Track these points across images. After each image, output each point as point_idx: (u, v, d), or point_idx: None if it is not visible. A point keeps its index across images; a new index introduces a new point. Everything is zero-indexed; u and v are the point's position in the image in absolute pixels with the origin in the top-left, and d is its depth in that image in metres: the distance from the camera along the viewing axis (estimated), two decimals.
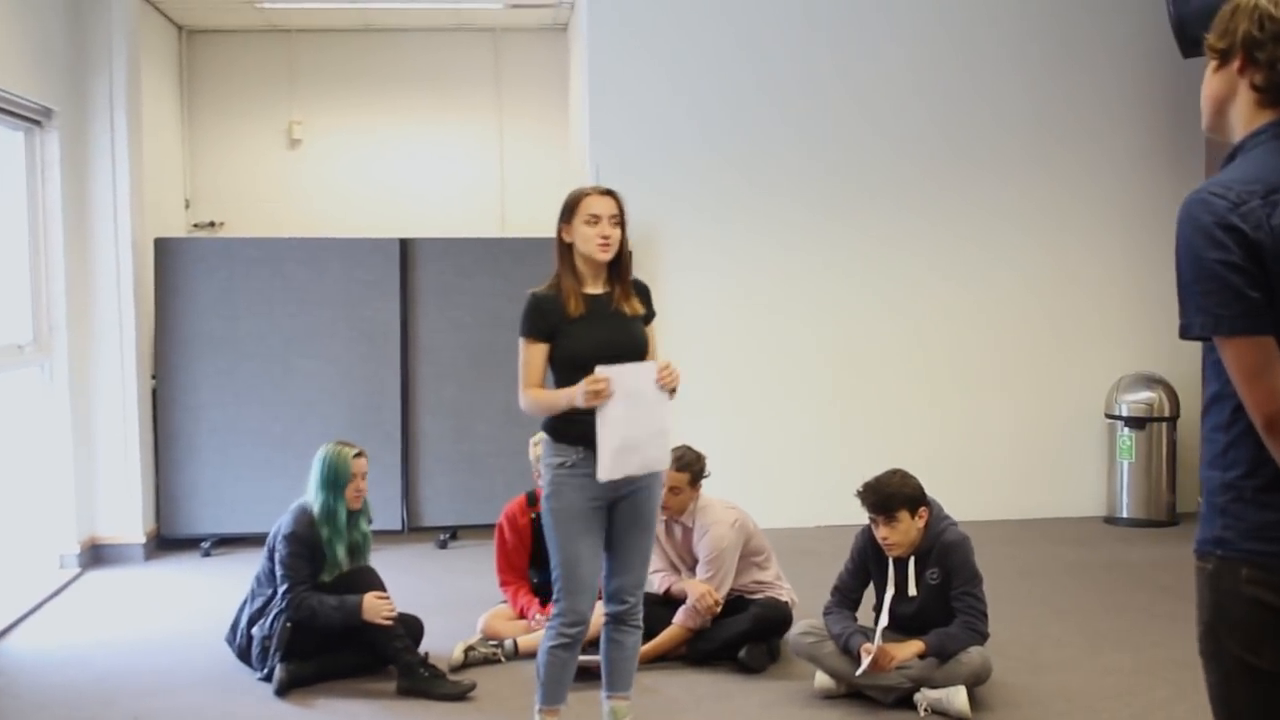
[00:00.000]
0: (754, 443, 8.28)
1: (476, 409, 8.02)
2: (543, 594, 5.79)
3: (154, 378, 7.90)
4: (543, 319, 4.21)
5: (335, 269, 7.92)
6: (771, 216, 8.34)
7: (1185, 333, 2.31)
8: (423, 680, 5.17)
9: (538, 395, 4.22)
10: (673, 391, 4.13)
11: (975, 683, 4.86)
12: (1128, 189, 8.62)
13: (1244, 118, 2.40)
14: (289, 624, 5.22)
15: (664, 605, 5.54)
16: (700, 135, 8.30)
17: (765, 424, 8.33)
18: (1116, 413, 8.36)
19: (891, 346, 8.42)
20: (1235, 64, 2.39)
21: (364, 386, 7.94)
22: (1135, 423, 8.28)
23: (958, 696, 4.78)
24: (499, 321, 7.97)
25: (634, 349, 4.22)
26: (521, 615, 5.79)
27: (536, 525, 5.80)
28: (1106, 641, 5.81)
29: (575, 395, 4.05)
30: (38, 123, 7.08)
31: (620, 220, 4.26)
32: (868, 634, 4.95)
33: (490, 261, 8.06)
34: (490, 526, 7.79)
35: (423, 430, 7.98)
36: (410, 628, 5.39)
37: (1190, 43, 7.73)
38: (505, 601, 5.91)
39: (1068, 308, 8.60)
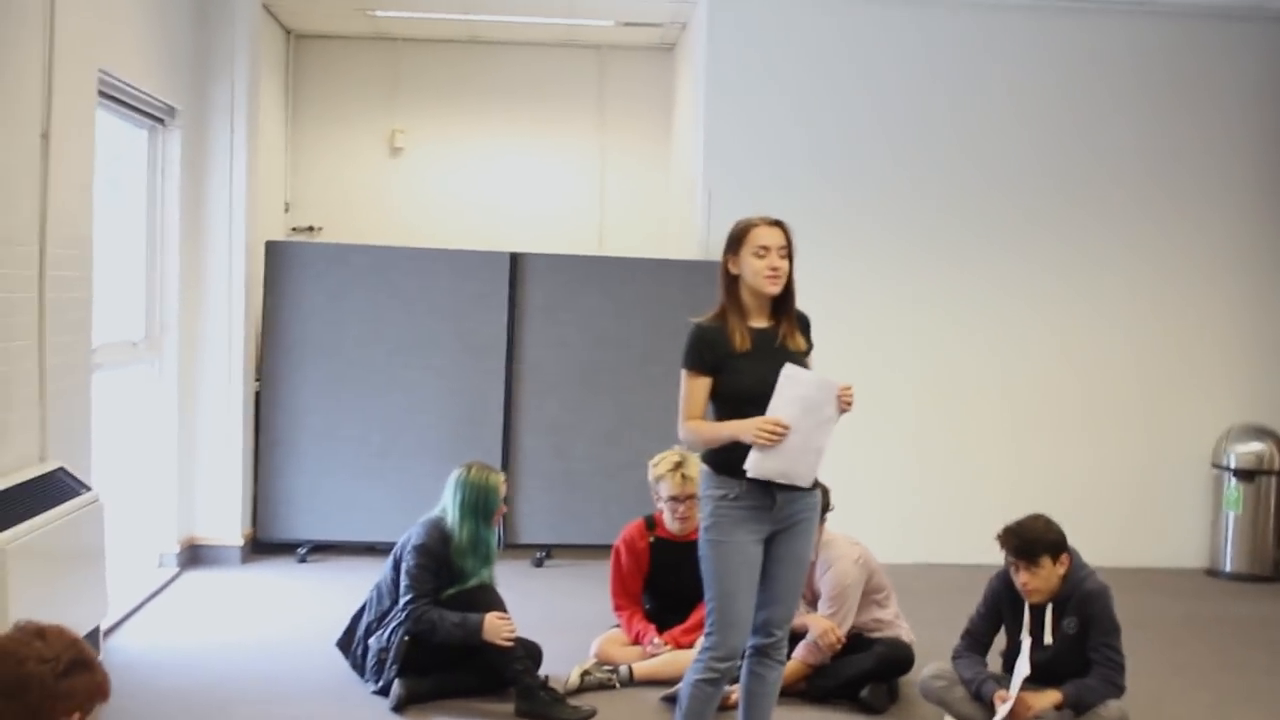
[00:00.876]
0: (842, 478, 8.17)
1: (577, 428, 7.98)
2: (657, 620, 5.77)
3: (258, 380, 7.91)
4: (709, 351, 4.16)
5: (444, 280, 7.90)
6: (876, 252, 8.29)
7: None
8: (543, 704, 5.11)
9: (700, 427, 4.17)
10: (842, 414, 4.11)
11: None
12: (1238, 239, 8.50)
13: None
14: (407, 637, 5.18)
15: None
16: (812, 165, 8.25)
17: (854, 458, 8.23)
18: (1224, 463, 8.23)
19: (989, 388, 8.32)
20: None
21: (466, 399, 7.90)
22: (1244, 474, 8.14)
23: None
24: (604, 341, 8.00)
25: None
26: (636, 641, 5.72)
27: (655, 550, 5.79)
28: (1230, 698, 5.69)
29: (744, 431, 4.01)
30: (161, 121, 7.11)
31: (788, 252, 4.19)
32: (1000, 681, 4.85)
33: (598, 280, 8.04)
34: (587, 547, 7.87)
35: (522, 447, 7.94)
36: (529, 650, 5.34)
37: None
38: (618, 626, 5.84)
39: (1176, 356, 8.49)
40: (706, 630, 4.17)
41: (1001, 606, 5.01)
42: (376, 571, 5.57)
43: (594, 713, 5.13)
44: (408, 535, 5.41)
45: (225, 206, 7.52)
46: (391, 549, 5.47)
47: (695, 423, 4.16)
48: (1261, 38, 8.41)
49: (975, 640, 5.05)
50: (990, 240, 8.33)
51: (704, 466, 4.22)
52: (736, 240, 4.21)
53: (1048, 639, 4.88)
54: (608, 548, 7.63)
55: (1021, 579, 4.82)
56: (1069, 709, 4.74)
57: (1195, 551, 8.41)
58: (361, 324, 7.85)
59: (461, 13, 9.23)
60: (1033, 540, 4.79)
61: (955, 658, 5.04)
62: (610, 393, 7.99)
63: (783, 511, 4.13)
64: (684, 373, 4.20)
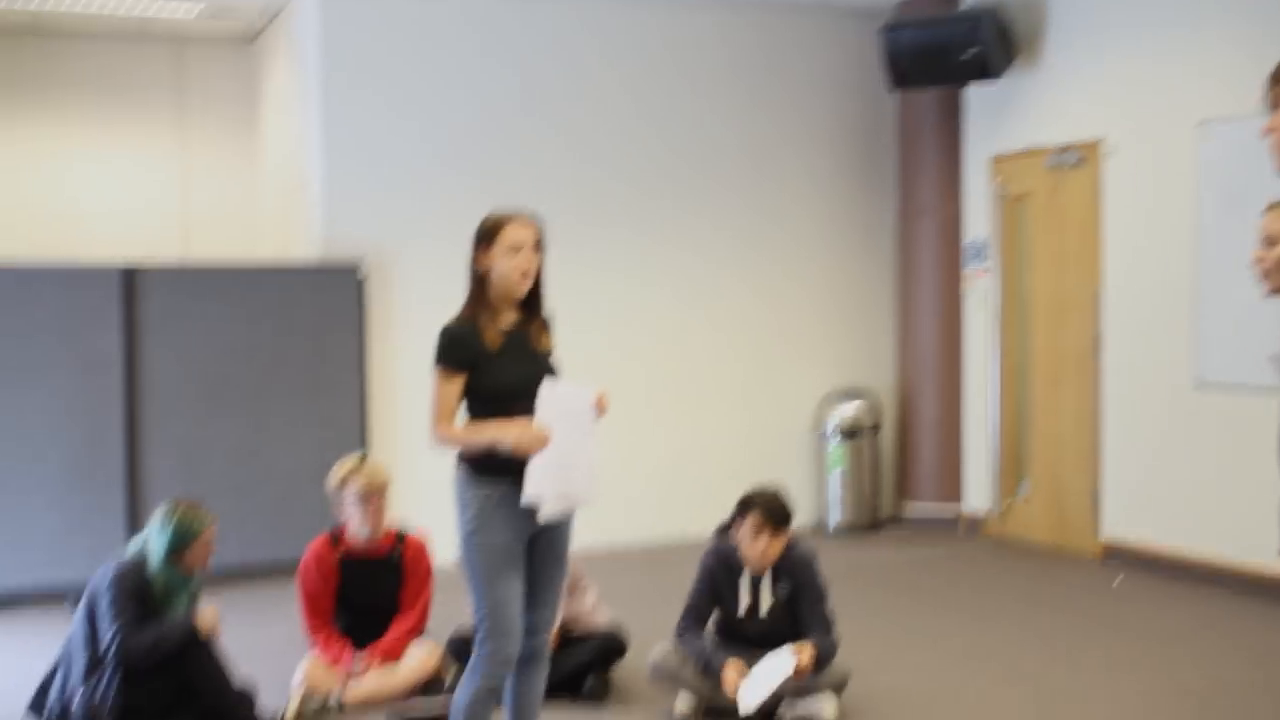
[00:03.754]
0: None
1: (208, 446, 7.57)
2: (353, 637, 5.57)
3: None
4: (462, 350, 4.07)
5: (51, 298, 7.25)
6: None
7: None
8: None
9: (457, 431, 4.09)
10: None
11: (839, 689, 5.09)
12: (826, 218, 9.17)
13: None
14: (119, 681, 4.77)
15: None
16: (434, 157, 8.16)
17: None
18: (826, 425, 8.89)
19: (621, 361, 8.50)
20: None
21: (83, 422, 7.30)
22: (844, 434, 8.83)
23: (828, 704, 5.00)
24: (231, 353, 7.63)
25: None
26: (335, 664, 5.50)
27: (344, 566, 5.59)
28: (893, 639, 6.24)
29: (506, 440, 3.97)
30: None
31: (540, 250, 4.16)
32: (730, 654, 5.07)
33: (218, 290, 7.62)
34: (228, 570, 7.43)
35: (149, 468, 7.44)
36: (248, 695, 5.06)
37: (899, 77, 8.42)
38: (315, 649, 5.61)
39: (778, 329, 9.05)
40: (479, 637, 4.09)
41: (718, 582, 5.21)
42: None
43: None
44: (98, 576, 4.99)
45: None
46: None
47: (450, 426, 4.08)
48: (837, 30, 9.09)
49: (698, 617, 5.22)
50: (604, 226, 8.53)
51: (462, 467, 4.12)
52: (487, 236, 4.11)
53: (765, 605, 5.14)
54: (252, 566, 7.43)
55: (762, 545, 5.03)
56: (817, 665, 5.00)
57: (805, 510, 9.01)
58: None
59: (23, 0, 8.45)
60: (786, 510, 5.08)
61: (679, 635, 5.20)
62: (239, 406, 7.64)
63: None
64: (435, 371, 4.09)
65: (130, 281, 7.41)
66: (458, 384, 4.07)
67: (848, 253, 9.23)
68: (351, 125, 8.01)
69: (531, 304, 4.21)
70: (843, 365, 9.19)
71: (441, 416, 4.07)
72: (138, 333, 7.41)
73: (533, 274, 4.13)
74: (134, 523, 7.30)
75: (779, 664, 4.93)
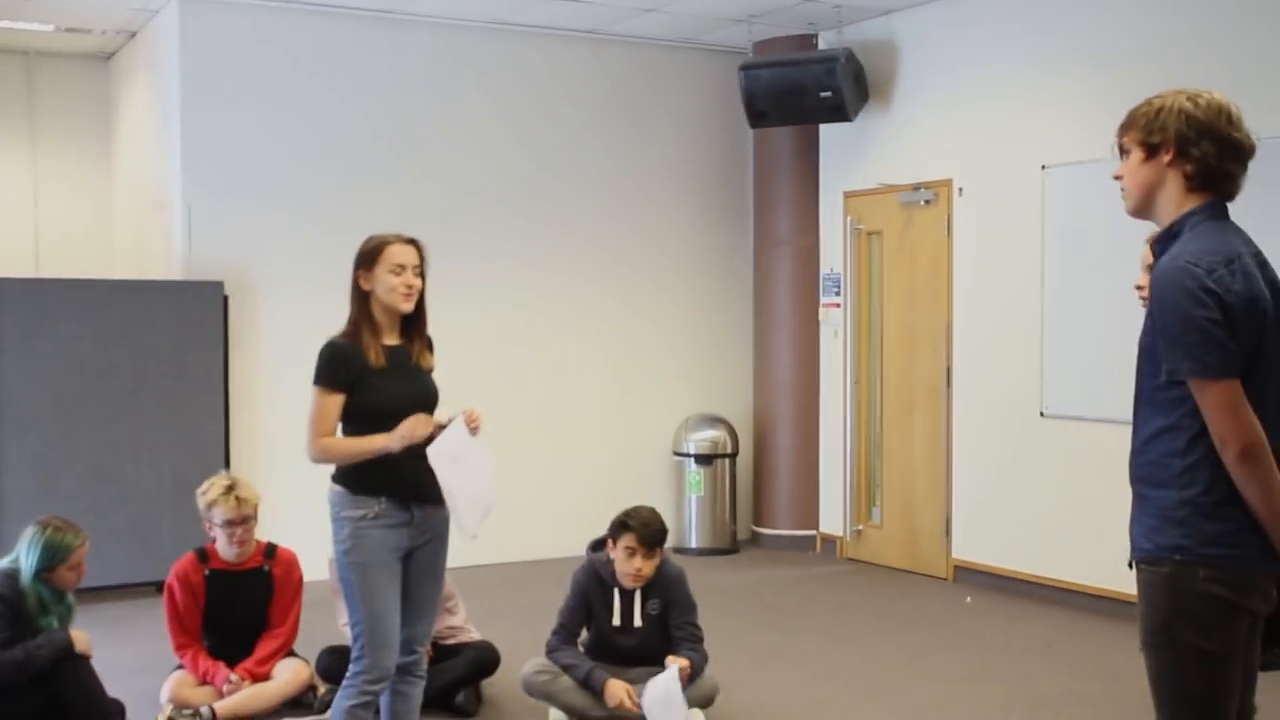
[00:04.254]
0: None
1: (64, 465, 7.41)
2: (220, 655, 5.53)
3: None
4: (344, 368, 4.14)
5: None
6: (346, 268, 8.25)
7: (1173, 376, 2.81)
8: None
9: (338, 444, 4.14)
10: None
11: (707, 704, 5.22)
12: (689, 248, 9.39)
13: (1174, 201, 2.96)
14: None
15: None
16: (291, 179, 8.17)
17: None
18: (685, 450, 9.07)
19: (487, 385, 8.51)
20: (1166, 157, 2.93)
21: None
22: (702, 459, 9.02)
23: (696, 718, 5.12)
24: (87, 369, 7.50)
25: (431, 403, 4.26)
26: (205, 680, 5.45)
27: (211, 583, 5.56)
28: (765, 656, 6.40)
29: (390, 441, 4.03)
30: None
31: (422, 270, 4.24)
32: (607, 669, 5.17)
33: (77, 304, 7.49)
34: (90, 590, 7.29)
35: (3, 488, 7.27)
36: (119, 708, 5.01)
37: (757, 115, 8.65)
38: (181, 667, 5.55)
39: (639, 355, 9.23)
40: (355, 654, 4.15)
41: (590, 597, 5.32)
42: None
43: None
44: None
45: None
46: None
47: (330, 440, 4.13)
48: (703, 67, 9.34)
49: (570, 632, 5.33)
50: (473, 251, 8.57)
51: (336, 487, 4.17)
52: (370, 257, 4.19)
53: (637, 621, 5.27)
54: (111, 589, 7.28)
55: (637, 565, 5.15)
56: (690, 676, 5.11)
57: None
58: None
59: None
60: (661, 531, 5.19)
61: (552, 650, 5.29)
62: (97, 425, 7.51)
63: (421, 526, 4.18)
64: (315, 390, 4.14)
65: None
66: (338, 401, 4.13)
67: (710, 280, 9.46)
68: (212, 145, 7.99)
69: (413, 323, 4.28)
70: (703, 391, 9.39)
71: (320, 431, 4.12)
72: None
73: (415, 293, 4.21)
74: None
75: (669, 677, 5.02)
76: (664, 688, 4.98)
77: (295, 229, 8.14)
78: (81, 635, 4.92)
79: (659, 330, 9.29)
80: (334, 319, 7.72)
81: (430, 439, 4.07)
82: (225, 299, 7.82)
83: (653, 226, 9.26)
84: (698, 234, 9.42)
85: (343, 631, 5.55)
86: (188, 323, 7.70)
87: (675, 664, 5.05)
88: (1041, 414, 7.54)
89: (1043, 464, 7.55)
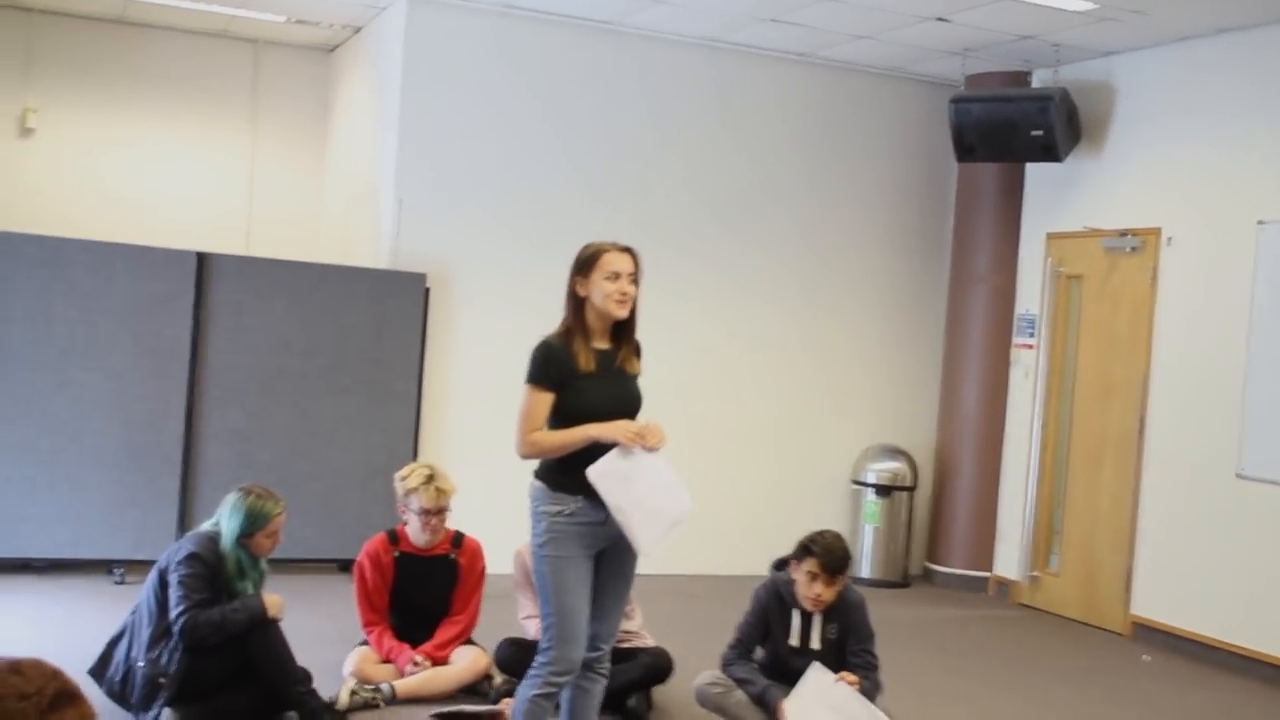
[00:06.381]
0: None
1: (262, 437, 7.72)
2: (403, 636, 5.71)
3: None
4: (556, 368, 4.24)
5: (123, 278, 7.42)
6: (557, 272, 8.40)
7: None
8: None
9: (546, 437, 4.23)
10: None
11: None
12: (881, 276, 9.37)
13: None
14: (182, 655, 4.88)
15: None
16: (500, 182, 8.38)
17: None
18: (863, 479, 9.04)
19: (674, 397, 8.54)
20: None
21: (145, 406, 7.46)
22: (881, 490, 8.98)
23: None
24: (290, 348, 7.79)
25: (635, 408, 4.36)
26: (388, 659, 5.65)
27: (400, 564, 5.74)
28: (933, 697, 6.36)
29: (601, 431, 4.14)
30: None
31: (636, 279, 4.35)
32: (781, 689, 5.17)
33: (286, 285, 7.79)
34: (276, 561, 7.58)
35: (204, 455, 7.60)
36: (305, 672, 5.17)
37: (965, 149, 8.59)
38: (365, 643, 5.75)
39: (824, 381, 9.22)
40: (544, 645, 4.25)
41: (770, 616, 5.35)
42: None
43: None
44: (172, 550, 5.12)
45: None
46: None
47: (539, 434, 4.23)
48: (912, 97, 9.33)
49: (746, 648, 5.36)
50: (670, 263, 8.57)
51: (538, 483, 4.29)
52: (587, 264, 4.31)
53: (815, 645, 5.27)
54: (296, 561, 7.55)
55: (817, 590, 5.16)
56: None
57: None
58: (30, 321, 7.24)
59: None
60: (844, 559, 5.20)
61: (727, 664, 5.32)
62: (295, 402, 7.80)
63: (614, 528, 4.24)
64: (528, 388, 4.25)
65: (203, 268, 7.59)
66: (548, 400, 4.23)
67: (899, 311, 9.42)
68: (426, 141, 8.23)
69: (624, 329, 4.39)
70: (886, 421, 9.35)
71: (530, 427, 4.23)
72: (206, 320, 7.59)
73: (630, 300, 4.31)
74: (185, 505, 7.51)
75: (822, 680, 5.06)
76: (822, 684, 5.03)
77: (499, 229, 8.36)
78: (275, 599, 5.08)
79: (846, 355, 9.29)
80: (528, 320, 7.92)
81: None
82: (427, 291, 8.06)
83: (848, 252, 9.27)
84: (893, 263, 9.40)
85: (522, 625, 5.78)
86: (389, 311, 7.94)
87: (834, 677, 5.06)
88: (1238, 475, 7.34)
89: (1235, 526, 7.35)
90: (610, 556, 4.32)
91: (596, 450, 4.15)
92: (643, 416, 4.32)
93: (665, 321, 8.60)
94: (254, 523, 5.15)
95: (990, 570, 9.02)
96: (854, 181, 9.26)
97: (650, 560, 4.34)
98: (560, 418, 4.25)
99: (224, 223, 9.74)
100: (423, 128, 8.23)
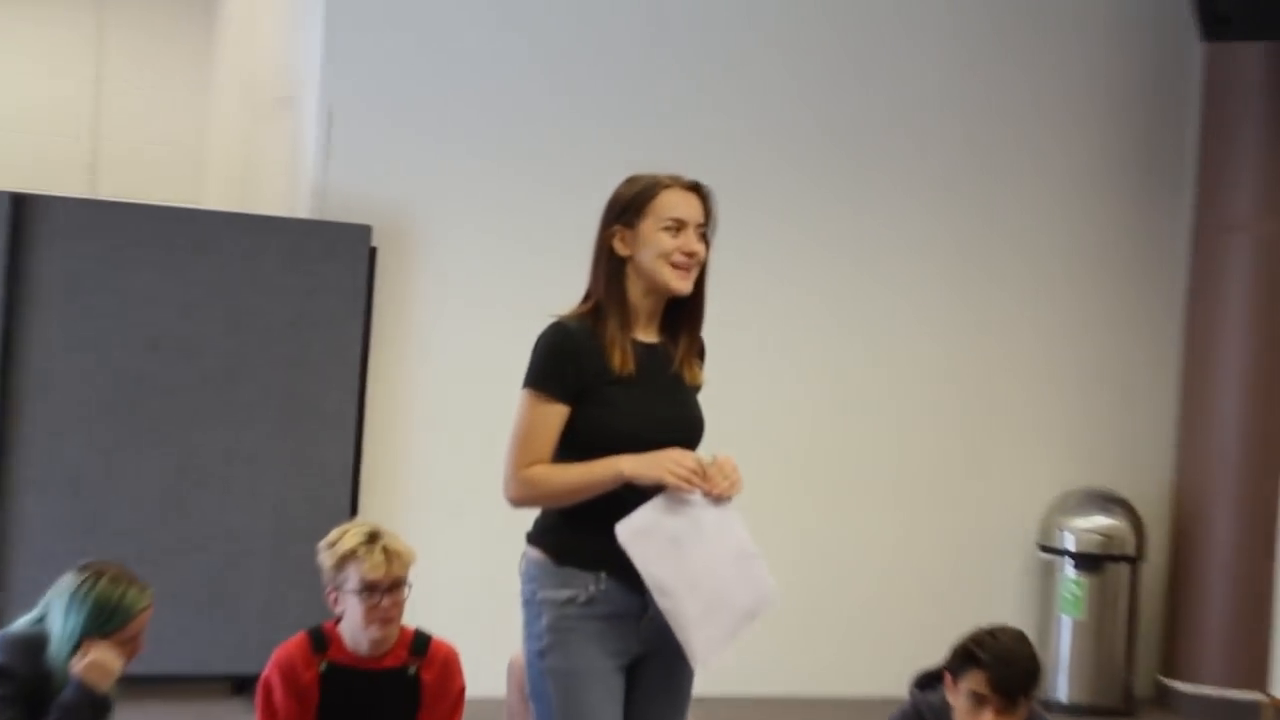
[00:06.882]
0: None
1: (118, 486, 7.64)
2: None
3: None
4: (575, 367, 4.10)
5: None
6: (555, 222, 8.27)
7: None
8: None
9: (551, 474, 4.09)
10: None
11: None
12: (1082, 226, 9.25)
13: None
14: None
15: None
16: (477, 87, 8.34)
17: None
18: (1058, 544, 8.78)
19: (754, 424, 8.41)
20: None
21: None
22: (1086, 561, 8.69)
23: None
24: (158, 344, 7.75)
25: (694, 435, 4.26)
26: None
27: (329, 682, 5.49)
28: None
29: (634, 466, 3.99)
30: None
31: (705, 234, 4.22)
32: None
33: (157, 247, 7.71)
34: (137, 679, 7.40)
35: (24, 516, 7.52)
36: None
37: (1216, 21, 8.28)
38: None
39: (990, 391, 9.07)
40: None
41: None
42: None
43: None
44: None
45: None
46: None
47: (541, 469, 4.06)
48: None
49: None
50: (749, 223, 8.40)
51: (534, 553, 4.18)
52: (634, 206, 4.18)
53: None
54: (163, 680, 7.40)
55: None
56: None
57: None
58: None
59: None
60: (1030, 673, 4.98)
61: None
62: (166, 429, 7.72)
63: (657, 623, 4.10)
64: (525, 395, 4.13)
65: (20, 216, 7.49)
66: (559, 415, 4.09)
67: (1109, 283, 9.28)
68: (366, 24, 8.20)
69: (685, 314, 4.27)
70: (1090, 455, 9.19)
71: (529, 458, 4.08)
72: (25, 299, 7.49)
73: (697, 266, 4.18)
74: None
75: None
76: None
77: (479, 158, 8.36)
78: (99, 659, 4.97)
79: (1026, 355, 9.14)
80: (525, 295, 7.83)
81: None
82: (373, 252, 8.00)
83: (1024, 198, 9.17)
84: (1097, 210, 9.28)
85: None
86: (314, 285, 7.90)
87: None
88: None
89: None
90: (651, 668, 4.24)
91: (630, 498, 4.02)
92: (705, 447, 4.19)
93: (737, 308, 8.30)
94: (106, 620, 5.02)
95: (1264, 690, 8.66)
96: (1034, 85, 9.16)
97: (713, 674, 4.19)
98: (576, 443, 4.11)
99: (55, 149, 9.70)
100: (360, 18, 8.20)
